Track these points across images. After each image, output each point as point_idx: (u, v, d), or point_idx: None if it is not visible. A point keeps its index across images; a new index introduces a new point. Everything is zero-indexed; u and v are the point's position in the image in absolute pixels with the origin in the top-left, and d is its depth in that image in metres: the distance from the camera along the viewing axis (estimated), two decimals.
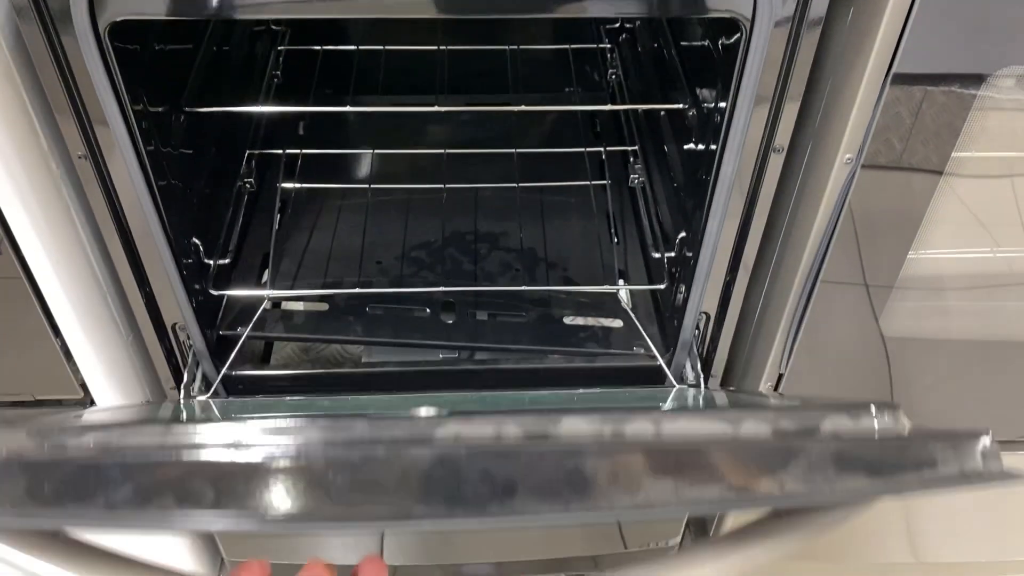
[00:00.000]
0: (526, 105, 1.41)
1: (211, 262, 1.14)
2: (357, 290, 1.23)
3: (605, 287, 1.27)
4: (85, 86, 0.85)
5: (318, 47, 1.50)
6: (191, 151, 1.12)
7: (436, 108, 1.33)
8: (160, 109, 1.00)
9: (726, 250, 1.06)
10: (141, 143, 0.91)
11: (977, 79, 0.86)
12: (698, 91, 1.11)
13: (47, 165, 0.95)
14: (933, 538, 1.48)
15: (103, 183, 0.94)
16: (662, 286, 1.23)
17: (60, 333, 1.06)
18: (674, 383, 1.20)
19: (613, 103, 1.54)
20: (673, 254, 1.17)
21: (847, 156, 0.93)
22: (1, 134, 0.88)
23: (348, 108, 1.25)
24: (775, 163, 0.97)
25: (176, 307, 1.08)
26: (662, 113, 1.31)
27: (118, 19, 0.80)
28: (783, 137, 0.95)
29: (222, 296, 1.20)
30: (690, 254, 1.10)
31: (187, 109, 1.07)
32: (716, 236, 1.02)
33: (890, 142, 0.91)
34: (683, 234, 1.14)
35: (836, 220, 0.97)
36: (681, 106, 1.13)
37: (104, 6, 0.79)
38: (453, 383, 1.22)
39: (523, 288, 1.27)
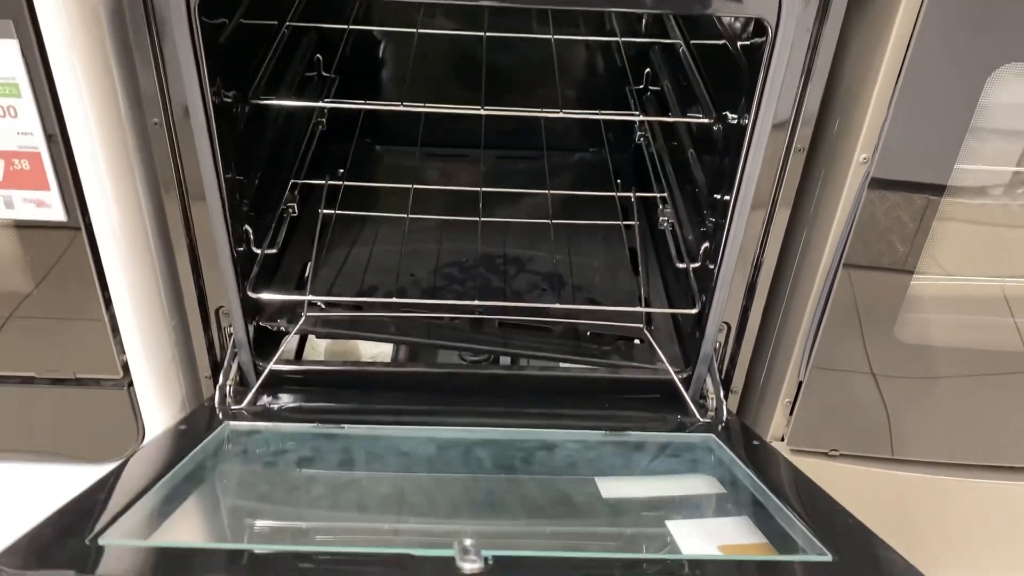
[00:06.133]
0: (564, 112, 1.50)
1: (259, 251, 1.20)
2: (394, 299, 1.28)
3: (629, 308, 1.32)
4: (170, 56, 0.95)
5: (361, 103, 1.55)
6: (249, 144, 1.21)
7: (479, 111, 1.29)
8: (230, 95, 1.08)
9: (748, 255, 1.13)
10: (213, 118, 0.99)
11: None
12: (724, 106, 1.20)
13: (121, 128, 1.04)
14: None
15: (172, 149, 1.01)
16: (694, 310, 1.23)
17: (111, 305, 1.11)
18: (695, 413, 1.21)
19: (639, 163, 1.64)
20: (697, 264, 1.23)
21: (863, 156, 1.01)
22: (85, 93, 0.97)
23: (405, 107, 1.27)
24: (796, 162, 1.04)
25: (222, 290, 1.13)
26: (688, 127, 1.41)
27: None
28: (803, 139, 1.03)
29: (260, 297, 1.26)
30: (712, 265, 1.16)
31: (252, 101, 1.16)
32: (739, 233, 1.08)
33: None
34: (706, 245, 1.20)
35: (855, 213, 1.03)
36: (706, 120, 1.22)
37: None
38: (477, 386, 1.25)
39: (552, 307, 1.31)
